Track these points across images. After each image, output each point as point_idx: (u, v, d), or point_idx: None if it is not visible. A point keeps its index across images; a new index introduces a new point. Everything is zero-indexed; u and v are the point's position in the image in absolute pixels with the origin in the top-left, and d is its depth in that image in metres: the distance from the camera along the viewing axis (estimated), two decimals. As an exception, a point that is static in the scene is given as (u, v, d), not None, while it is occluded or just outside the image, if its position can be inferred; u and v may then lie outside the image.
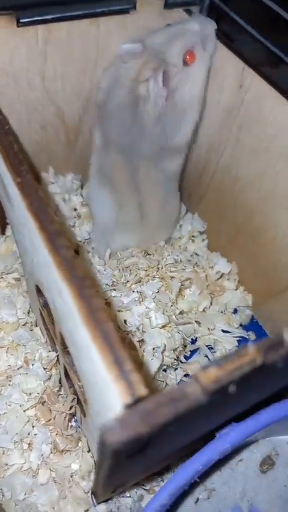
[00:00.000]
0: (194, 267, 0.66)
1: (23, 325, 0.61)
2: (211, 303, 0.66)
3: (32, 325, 0.61)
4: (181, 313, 0.62)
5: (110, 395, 0.29)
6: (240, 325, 0.67)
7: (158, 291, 0.57)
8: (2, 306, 0.61)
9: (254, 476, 0.55)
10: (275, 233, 0.59)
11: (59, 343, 0.47)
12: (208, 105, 0.65)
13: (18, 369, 0.57)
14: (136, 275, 0.59)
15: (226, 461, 0.56)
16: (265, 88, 0.54)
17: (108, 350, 0.29)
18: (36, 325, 0.61)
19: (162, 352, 0.55)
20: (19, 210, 0.39)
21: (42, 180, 0.74)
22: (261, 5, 0.61)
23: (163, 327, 0.55)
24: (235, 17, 0.65)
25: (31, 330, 0.60)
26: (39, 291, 0.51)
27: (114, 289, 0.59)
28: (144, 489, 0.54)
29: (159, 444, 0.33)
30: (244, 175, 0.62)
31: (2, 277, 0.66)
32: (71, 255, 0.33)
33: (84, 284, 0.32)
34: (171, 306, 0.59)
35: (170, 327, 0.56)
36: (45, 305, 0.52)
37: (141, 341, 0.56)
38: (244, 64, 0.56)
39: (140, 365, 0.54)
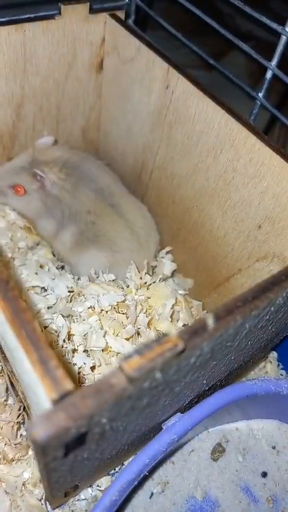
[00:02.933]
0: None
1: None
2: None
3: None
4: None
5: (40, 394, 0.29)
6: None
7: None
8: None
9: (206, 464, 0.57)
10: (211, 226, 0.61)
11: (-1, 352, 0.47)
12: (139, 106, 0.67)
13: None
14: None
15: (178, 453, 0.57)
16: (189, 88, 0.56)
17: (32, 349, 0.29)
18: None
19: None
20: None
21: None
22: (184, 10, 0.64)
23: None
24: (160, 21, 0.67)
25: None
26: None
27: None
28: (100, 490, 0.55)
29: (99, 439, 0.34)
30: (179, 172, 0.64)
31: None
32: (-6, 258, 0.33)
33: (8, 287, 0.32)
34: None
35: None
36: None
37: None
38: (169, 65, 0.58)
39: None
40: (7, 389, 0.55)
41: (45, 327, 0.55)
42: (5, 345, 0.37)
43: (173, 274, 0.72)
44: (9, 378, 0.51)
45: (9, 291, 0.31)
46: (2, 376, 0.56)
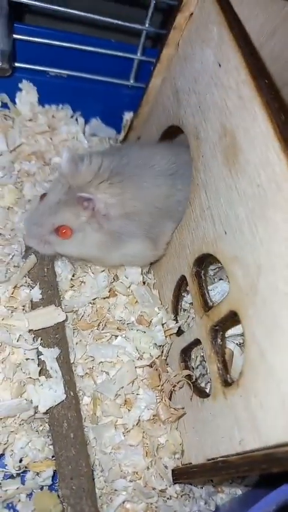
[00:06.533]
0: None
1: (144, 283, 0.59)
2: None
3: (151, 287, 0.60)
4: None
5: None
6: None
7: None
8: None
9: None
10: None
11: (212, 320, 0.46)
12: None
13: (127, 324, 0.56)
14: None
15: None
16: None
17: None
18: (154, 288, 0.60)
19: None
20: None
21: None
22: None
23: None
24: None
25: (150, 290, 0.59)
26: (200, 260, 0.50)
27: None
28: (212, 485, 0.54)
29: None
30: None
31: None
32: None
33: None
34: None
35: None
36: (197, 275, 0.51)
37: None
38: None
39: None
40: (168, 351, 0.55)
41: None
42: (265, 320, 0.35)
43: None
44: (188, 345, 0.51)
45: None
46: (172, 337, 0.55)
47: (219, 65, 0.45)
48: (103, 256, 0.55)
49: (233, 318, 0.44)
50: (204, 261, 0.50)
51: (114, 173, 0.52)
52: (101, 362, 0.53)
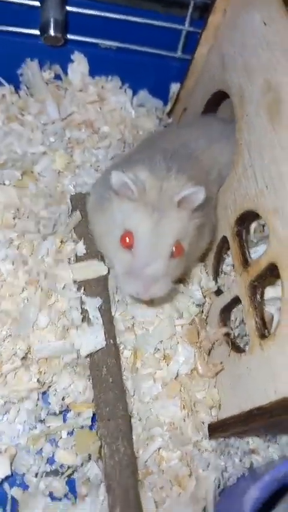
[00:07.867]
0: None
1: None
2: None
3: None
4: None
5: None
6: None
7: None
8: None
9: None
10: None
11: (251, 275, 0.46)
12: None
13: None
14: None
15: None
16: None
17: None
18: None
19: None
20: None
21: None
22: None
23: None
24: None
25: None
26: (241, 219, 0.51)
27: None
28: (249, 448, 0.54)
29: None
30: None
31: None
32: None
33: None
34: None
35: None
36: (239, 234, 0.52)
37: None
38: None
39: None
40: (208, 311, 0.56)
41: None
42: None
43: None
44: (228, 304, 0.52)
45: None
46: (211, 297, 0.56)
47: (265, 24, 0.46)
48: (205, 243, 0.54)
49: (271, 274, 0.45)
50: (245, 220, 0.51)
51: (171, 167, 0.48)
52: (142, 321, 0.55)
